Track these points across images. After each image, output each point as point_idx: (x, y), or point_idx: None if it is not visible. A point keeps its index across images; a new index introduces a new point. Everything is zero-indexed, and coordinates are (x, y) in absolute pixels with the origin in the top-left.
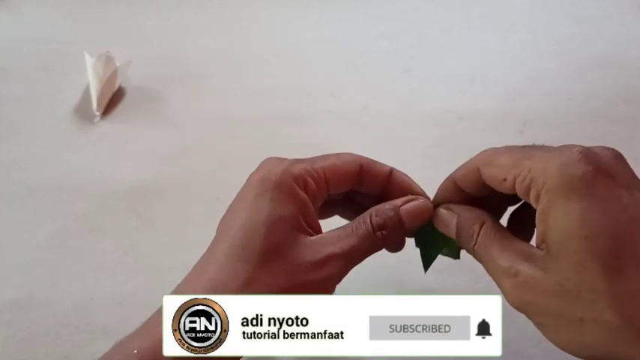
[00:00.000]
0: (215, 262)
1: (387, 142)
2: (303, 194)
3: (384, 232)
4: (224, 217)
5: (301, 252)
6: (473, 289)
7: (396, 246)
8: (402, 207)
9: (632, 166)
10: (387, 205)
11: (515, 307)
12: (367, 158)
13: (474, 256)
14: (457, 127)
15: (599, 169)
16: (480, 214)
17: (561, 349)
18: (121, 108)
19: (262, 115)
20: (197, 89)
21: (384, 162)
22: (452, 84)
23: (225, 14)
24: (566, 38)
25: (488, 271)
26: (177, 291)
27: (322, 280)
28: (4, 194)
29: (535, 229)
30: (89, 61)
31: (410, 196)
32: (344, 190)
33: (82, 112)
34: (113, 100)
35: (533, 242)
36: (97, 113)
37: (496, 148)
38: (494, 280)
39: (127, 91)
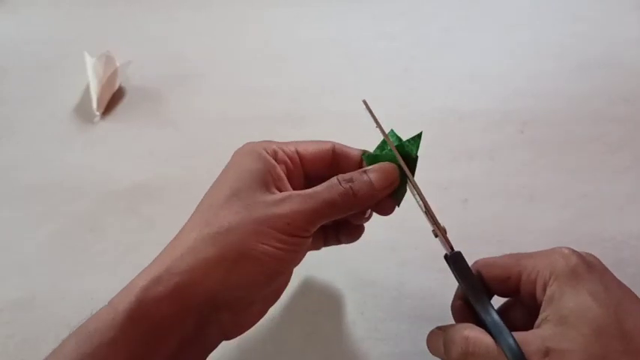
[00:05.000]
0: (192, 217)
1: None
2: (271, 159)
3: (351, 184)
4: None
5: (263, 196)
6: None
7: (375, 207)
8: (369, 169)
9: (632, 166)
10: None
11: None
12: (340, 143)
13: None
14: (457, 127)
15: (585, 259)
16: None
17: None
18: (121, 108)
19: (262, 115)
20: (197, 89)
21: None
22: (452, 84)
23: (225, 14)
24: (566, 38)
25: None
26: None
27: (283, 214)
28: (4, 194)
29: (541, 310)
30: (89, 61)
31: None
32: (321, 171)
33: (82, 112)
34: (113, 100)
35: None
36: (97, 113)
37: (491, 257)
38: None
39: (127, 91)
